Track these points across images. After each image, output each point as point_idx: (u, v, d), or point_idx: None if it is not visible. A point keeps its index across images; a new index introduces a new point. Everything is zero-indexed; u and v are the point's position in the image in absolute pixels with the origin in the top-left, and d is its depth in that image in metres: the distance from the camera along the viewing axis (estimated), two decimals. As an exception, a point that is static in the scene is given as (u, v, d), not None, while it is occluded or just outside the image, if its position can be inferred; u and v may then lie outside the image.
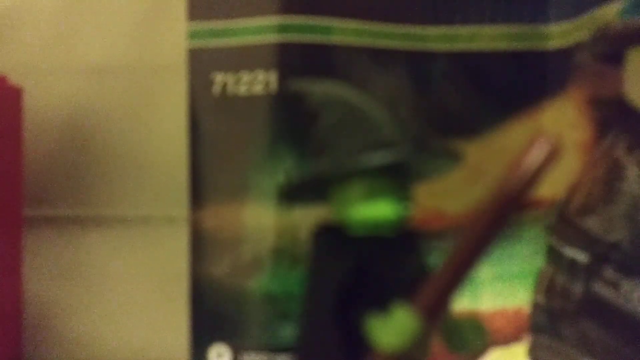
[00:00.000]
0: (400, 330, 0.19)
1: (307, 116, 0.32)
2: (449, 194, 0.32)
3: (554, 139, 0.18)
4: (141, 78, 0.42)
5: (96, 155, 0.42)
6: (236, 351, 0.33)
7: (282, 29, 0.32)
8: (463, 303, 0.31)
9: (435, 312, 0.19)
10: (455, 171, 0.27)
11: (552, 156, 0.17)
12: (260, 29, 0.33)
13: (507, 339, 0.32)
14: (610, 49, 0.30)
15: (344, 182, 0.24)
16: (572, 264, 0.30)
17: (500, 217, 0.18)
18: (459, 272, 0.19)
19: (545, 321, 0.31)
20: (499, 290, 0.32)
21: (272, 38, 0.33)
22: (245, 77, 0.33)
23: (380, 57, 0.33)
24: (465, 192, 0.31)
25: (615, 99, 0.30)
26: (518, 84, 0.33)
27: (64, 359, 0.42)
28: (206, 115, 0.33)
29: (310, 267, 0.25)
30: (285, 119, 0.32)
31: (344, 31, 0.33)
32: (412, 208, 0.24)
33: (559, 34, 0.33)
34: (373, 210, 0.24)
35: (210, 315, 0.33)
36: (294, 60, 0.32)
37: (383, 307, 0.20)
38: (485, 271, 0.32)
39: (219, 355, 0.33)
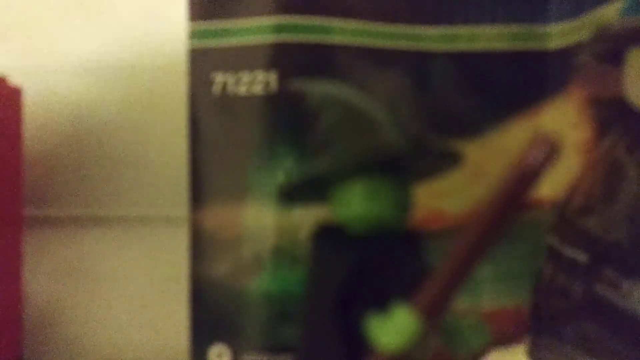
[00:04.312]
0: (400, 330, 0.19)
1: (307, 116, 0.32)
2: (449, 194, 0.32)
3: (554, 139, 0.18)
4: (141, 78, 0.42)
5: (96, 155, 0.42)
6: (236, 351, 0.33)
7: (282, 29, 0.32)
8: (463, 303, 0.31)
9: (435, 312, 0.19)
10: (455, 171, 0.27)
11: (552, 156, 0.17)
12: (260, 29, 0.33)
13: (507, 339, 0.32)
14: (610, 49, 0.30)
15: (344, 182, 0.24)
16: (572, 264, 0.30)
17: (500, 217, 0.18)
18: (459, 272, 0.19)
19: (545, 321, 0.31)
20: (499, 290, 0.32)
21: (272, 38, 0.33)
22: (245, 77, 0.33)
23: (380, 57, 0.33)
24: (465, 192, 0.31)
25: (615, 99, 0.30)
26: (518, 84, 0.33)
27: (63, 359, 0.42)
28: (206, 115, 0.33)
29: (311, 267, 0.25)
30: (285, 119, 0.32)
31: (344, 31, 0.33)
32: (412, 208, 0.24)
33: (559, 34, 0.33)
34: (373, 210, 0.24)
35: (210, 315, 0.33)
36: (294, 60, 0.32)
37: (383, 307, 0.20)
38: (485, 271, 0.32)
39: (219, 355, 0.33)
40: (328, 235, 0.25)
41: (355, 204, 0.24)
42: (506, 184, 0.18)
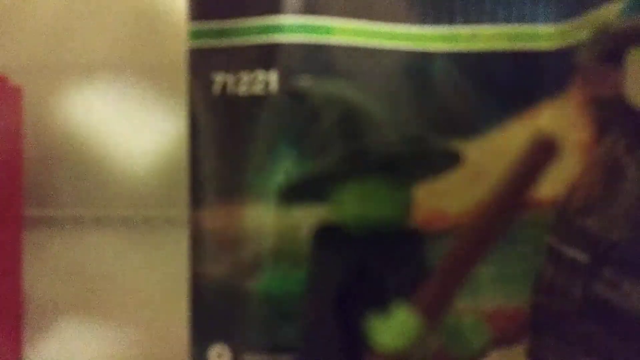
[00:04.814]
0: (400, 330, 0.19)
1: (307, 116, 0.32)
2: (449, 194, 0.32)
3: (554, 139, 0.18)
4: (141, 78, 0.42)
5: (96, 155, 0.42)
6: (236, 351, 0.33)
7: (282, 29, 0.32)
8: (464, 302, 0.31)
9: (435, 311, 0.19)
10: (455, 171, 0.27)
11: (552, 156, 0.17)
12: (260, 29, 0.33)
13: (507, 339, 0.32)
14: (610, 49, 0.30)
15: (344, 182, 0.24)
16: (572, 264, 0.30)
17: (499, 217, 0.18)
18: (458, 272, 0.19)
19: (545, 321, 0.31)
20: (499, 290, 0.32)
21: (272, 38, 0.33)
22: (245, 77, 0.33)
23: (380, 57, 0.33)
24: (465, 192, 0.31)
25: (615, 99, 0.30)
26: (518, 84, 0.33)
27: (63, 359, 0.42)
28: (206, 115, 0.33)
29: (311, 267, 0.25)
30: (285, 119, 0.32)
31: (344, 31, 0.33)
32: (412, 208, 0.24)
33: (559, 34, 0.33)
34: (373, 210, 0.24)
35: (210, 315, 0.33)
36: (294, 60, 0.32)
37: (383, 307, 0.20)
38: (485, 271, 0.32)
39: (219, 355, 0.33)
40: (328, 235, 0.25)
41: (355, 204, 0.24)
42: (506, 184, 0.18)
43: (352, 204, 0.24)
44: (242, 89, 0.33)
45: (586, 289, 0.29)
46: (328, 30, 0.33)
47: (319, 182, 0.25)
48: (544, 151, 0.17)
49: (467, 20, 0.33)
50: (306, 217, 0.31)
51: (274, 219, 0.32)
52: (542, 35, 0.33)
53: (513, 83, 0.33)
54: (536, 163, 0.17)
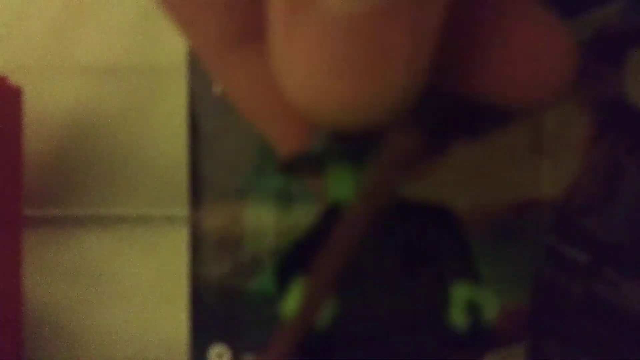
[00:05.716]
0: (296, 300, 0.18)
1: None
2: (448, 194, 0.32)
3: (409, 136, 0.16)
4: (141, 78, 0.42)
5: (96, 155, 0.42)
6: (236, 351, 0.33)
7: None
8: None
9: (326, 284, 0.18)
10: (454, 171, 0.27)
11: (416, 149, 0.16)
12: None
13: (507, 339, 0.32)
14: (610, 49, 0.30)
15: (339, 163, 0.24)
16: (572, 264, 0.30)
17: (369, 210, 0.17)
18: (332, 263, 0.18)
19: (545, 321, 0.31)
20: (499, 290, 0.32)
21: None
22: (245, 77, 0.33)
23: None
24: (463, 192, 0.31)
25: (615, 99, 0.30)
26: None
27: (64, 359, 0.42)
28: (206, 115, 0.33)
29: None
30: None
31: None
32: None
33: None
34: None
35: (210, 315, 0.33)
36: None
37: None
38: (485, 271, 0.32)
39: (219, 356, 0.33)
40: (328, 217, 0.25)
41: (351, 186, 0.24)
42: (375, 176, 0.17)
43: (347, 186, 0.24)
44: (242, 89, 0.33)
45: (586, 289, 0.29)
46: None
47: (317, 160, 0.25)
48: (404, 145, 0.16)
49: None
50: (306, 217, 0.31)
51: (274, 219, 0.32)
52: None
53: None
54: (398, 157, 0.16)
